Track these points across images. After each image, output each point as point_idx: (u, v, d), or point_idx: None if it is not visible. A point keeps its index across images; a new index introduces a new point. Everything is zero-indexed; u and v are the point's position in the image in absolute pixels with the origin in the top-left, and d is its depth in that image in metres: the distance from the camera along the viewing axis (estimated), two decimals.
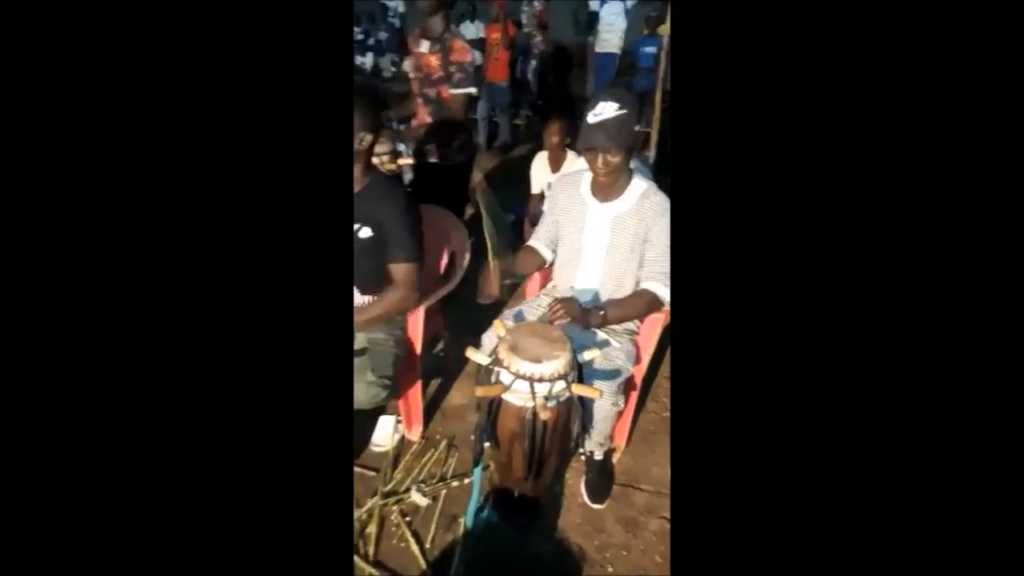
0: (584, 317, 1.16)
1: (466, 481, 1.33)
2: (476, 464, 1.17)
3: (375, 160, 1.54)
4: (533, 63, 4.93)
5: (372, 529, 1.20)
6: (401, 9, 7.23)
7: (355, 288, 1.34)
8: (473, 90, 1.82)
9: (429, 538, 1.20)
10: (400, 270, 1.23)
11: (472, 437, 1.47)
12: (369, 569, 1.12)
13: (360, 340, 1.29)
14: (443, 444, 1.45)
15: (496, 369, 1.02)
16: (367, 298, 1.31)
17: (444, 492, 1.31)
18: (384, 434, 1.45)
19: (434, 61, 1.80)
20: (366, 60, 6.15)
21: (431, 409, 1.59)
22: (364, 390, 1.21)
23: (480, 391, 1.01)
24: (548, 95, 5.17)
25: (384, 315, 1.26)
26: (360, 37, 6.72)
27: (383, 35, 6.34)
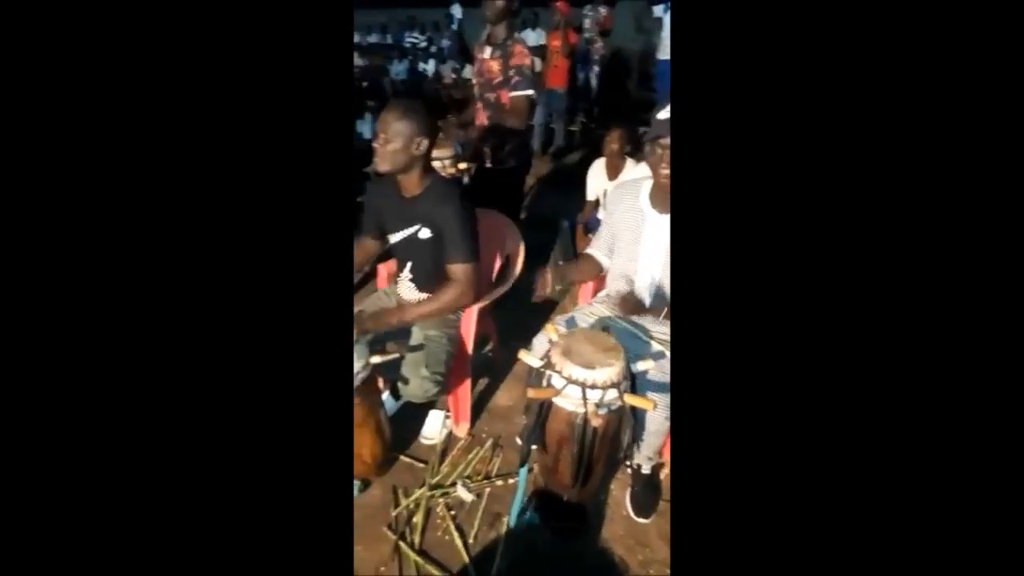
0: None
1: (510, 481, 1.35)
2: (522, 465, 1.18)
3: (436, 164, 1.59)
4: (595, 69, 4.92)
5: (418, 519, 1.24)
6: (459, 16, 7.44)
7: (412, 284, 1.40)
8: (531, 92, 1.84)
9: (472, 533, 1.22)
10: (457, 270, 1.27)
11: (518, 439, 1.49)
12: (414, 556, 1.16)
13: (416, 336, 1.34)
14: (488, 443, 1.48)
15: (548, 372, 1.03)
16: (423, 295, 1.37)
17: (488, 490, 1.33)
18: (433, 428, 1.49)
19: (495, 66, 1.84)
20: (428, 67, 6.39)
21: (478, 408, 1.62)
22: (418, 384, 1.26)
23: (531, 392, 1.02)
24: (607, 102, 5.14)
25: (439, 311, 1.30)
26: (423, 44, 6.98)
27: (446, 43, 6.55)
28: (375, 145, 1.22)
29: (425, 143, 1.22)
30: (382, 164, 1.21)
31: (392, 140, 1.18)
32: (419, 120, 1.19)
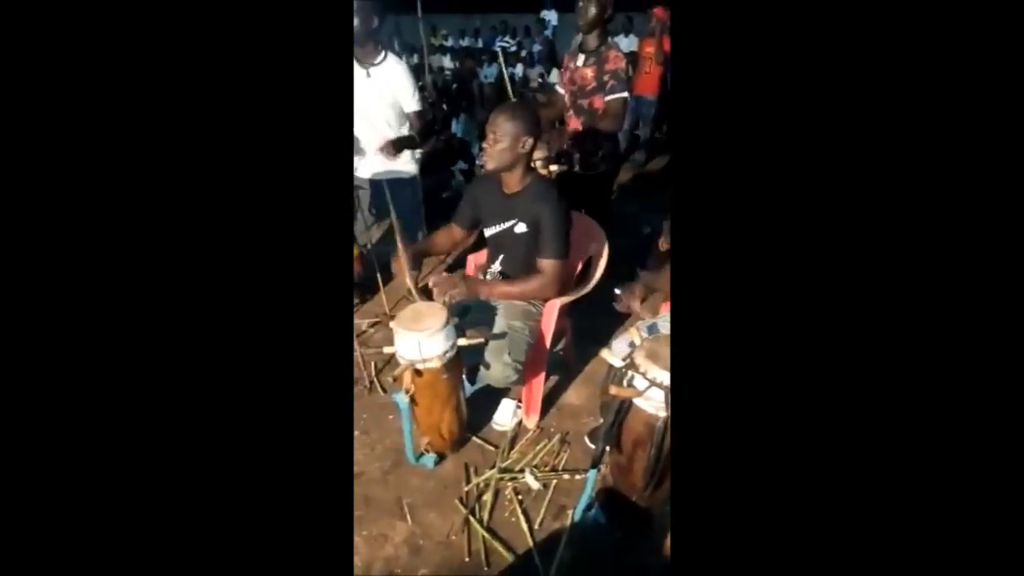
0: None
1: (577, 477, 1.37)
2: (595, 466, 1.21)
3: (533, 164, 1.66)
4: None
5: (488, 497, 1.31)
6: (555, 23, 7.53)
7: (501, 276, 1.47)
8: (626, 95, 1.84)
9: (538, 520, 1.27)
10: (547, 264, 1.32)
11: (586, 438, 1.51)
12: (482, 531, 1.22)
13: (500, 325, 1.41)
14: (556, 438, 1.51)
15: (630, 373, 1.04)
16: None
17: (555, 482, 1.37)
18: (505, 415, 1.56)
19: (589, 73, 1.87)
20: (516, 70, 6.55)
21: (548, 403, 1.66)
22: (499, 370, 1.32)
23: (614, 390, 1.04)
24: None
25: (522, 295, 1.37)
26: (513, 49, 7.16)
27: (536, 47, 6.68)
28: (484, 144, 1.30)
29: (530, 143, 1.28)
30: (490, 162, 1.30)
31: (501, 140, 1.26)
32: (527, 121, 1.26)
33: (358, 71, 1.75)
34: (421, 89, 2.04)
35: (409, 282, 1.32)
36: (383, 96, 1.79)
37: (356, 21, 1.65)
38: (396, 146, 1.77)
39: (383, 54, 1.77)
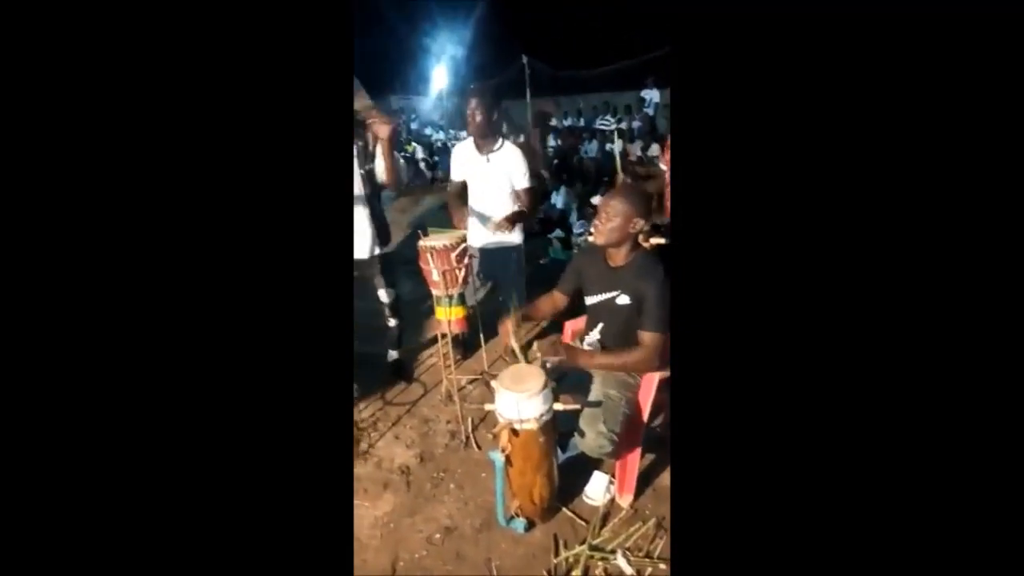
0: None
1: None
2: None
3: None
4: None
5: (577, 574, 1.26)
6: (656, 100, 7.83)
7: (599, 344, 1.50)
8: None
9: None
10: (648, 337, 1.33)
11: None
12: None
13: (596, 392, 1.42)
14: (652, 522, 1.42)
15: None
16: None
17: (649, 571, 1.27)
18: (597, 489, 1.51)
19: None
20: (615, 146, 6.84)
21: (643, 482, 1.57)
22: (593, 439, 1.32)
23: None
24: None
25: (622, 366, 1.37)
26: (614, 127, 7.53)
27: (636, 124, 6.96)
28: (596, 221, 1.41)
29: (640, 224, 1.36)
30: (599, 237, 1.39)
31: (613, 219, 1.36)
32: (639, 204, 1.36)
33: (479, 158, 2.02)
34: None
35: (513, 342, 1.41)
36: (499, 178, 2.03)
37: (479, 116, 1.93)
38: (511, 221, 1.97)
39: (500, 142, 2.03)
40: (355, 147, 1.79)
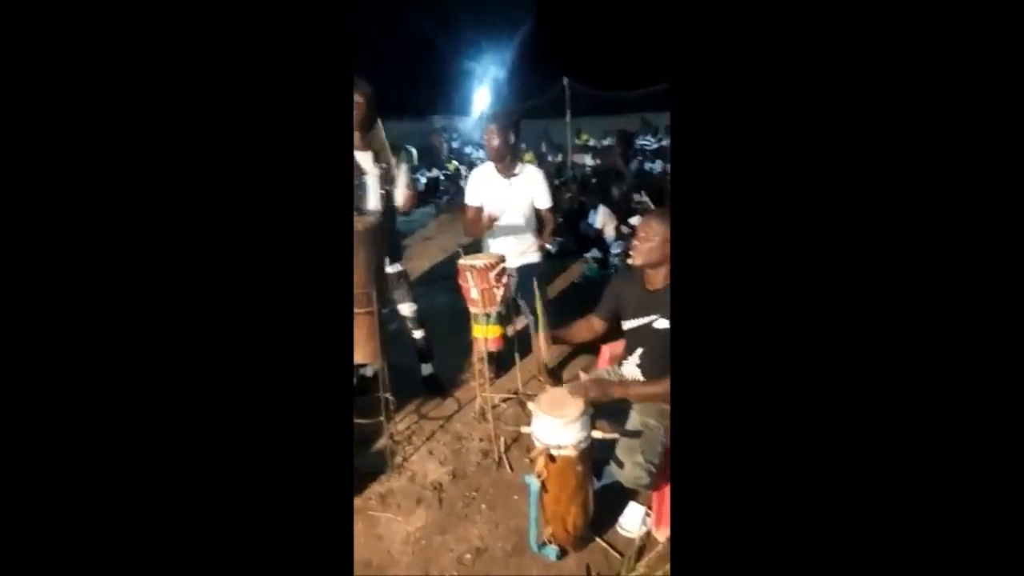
0: None
1: None
2: None
3: None
4: None
5: None
6: None
7: (639, 369, 1.47)
8: None
9: None
10: None
11: None
12: None
13: (634, 421, 1.39)
14: None
15: None
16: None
17: None
18: (633, 521, 1.46)
19: None
20: (655, 165, 6.78)
21: None
22: (631, 469, 1.28)
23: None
24: None
25: (664, 395, 1.33)
26: (654, 146, 7.48)
27: None
28: (634, 242, 1.40)
29: None
30: (638, 258, 1.38)
31: (651, 239, 1.35)
32: None
33: (500, 181, 2.08)
34: (563, 184, 2.30)
35: (545, 356, 1.40)
36: (521, 199, 2.08)
37: (496, 140, 1.98)
38: (552, 234, 2.02)
39: (521, 166, 2.09)
40: (378, 170, 1.87)
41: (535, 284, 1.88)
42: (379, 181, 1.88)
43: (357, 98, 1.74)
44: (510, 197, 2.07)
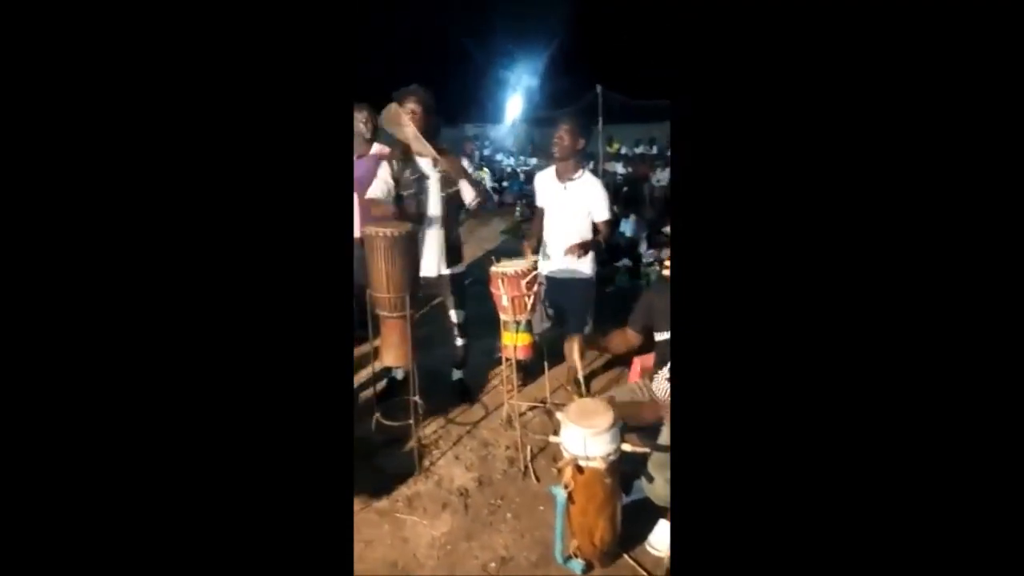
0: None
1: None
2: None
3: None
4: None
5: None
6: None
7: (669, 385, 1.44)
8: None
9: None
10: None
11: None
12: None
13: (666, 436, 1.36)
14: None
15: None
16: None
17: None
18: (662, 539, 1.42)
19: None
20: None
21: None
22: (662, 485, 1.25)
23: None
24: None
25: None
26: None
27: None
28: (668, 251, 1.38)
29: None
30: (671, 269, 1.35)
31: None
32: None
33: (556, 184, 2.05)
34: None
35: (577, 363, 1.39)
36: (576, 207, 2.04)
37: (566, 140, 1.97)
38: (583, 248, 1.97)
39: (581, 172, 2.05)
40: (436, 172, 1.90)
41: (584, 301, 1.86)
42: (440, 184, 1.91)
43: (414, 106, 1.79)
44: (563, 202, 2.05)
